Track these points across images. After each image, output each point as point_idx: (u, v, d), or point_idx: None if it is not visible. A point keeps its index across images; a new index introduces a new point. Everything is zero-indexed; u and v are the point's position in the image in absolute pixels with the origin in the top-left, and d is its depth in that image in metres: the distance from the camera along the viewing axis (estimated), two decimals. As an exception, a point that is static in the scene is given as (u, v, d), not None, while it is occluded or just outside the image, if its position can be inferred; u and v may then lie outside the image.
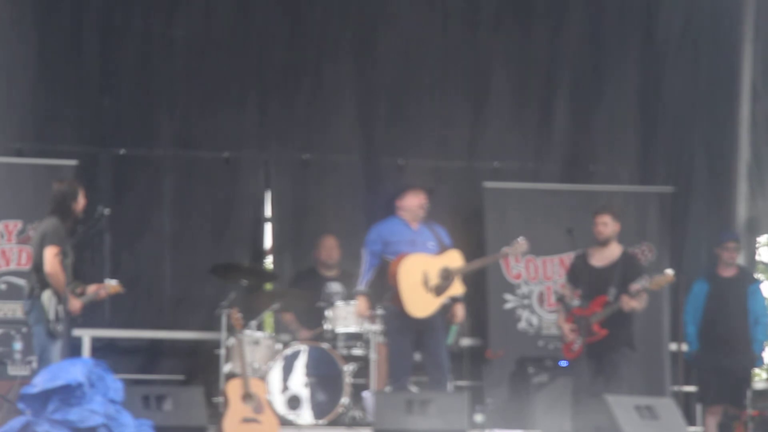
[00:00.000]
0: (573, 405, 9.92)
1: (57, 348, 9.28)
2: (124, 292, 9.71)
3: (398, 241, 10.13)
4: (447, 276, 10.03)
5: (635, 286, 9.83)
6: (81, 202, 9.47)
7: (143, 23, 11.95)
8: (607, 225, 10.03)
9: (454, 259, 10.12)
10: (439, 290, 10.03)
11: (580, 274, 10.04)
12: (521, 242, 10.26)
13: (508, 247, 10.33)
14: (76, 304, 9.34)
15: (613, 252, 10.04)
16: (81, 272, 9.81)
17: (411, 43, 12.19)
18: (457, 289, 10.12)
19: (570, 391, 10.07)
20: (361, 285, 10.27)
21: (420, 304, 10.00)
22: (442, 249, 10.15)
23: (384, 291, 10.22)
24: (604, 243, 10.04)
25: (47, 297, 9.27)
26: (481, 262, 10.63)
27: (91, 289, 9.53)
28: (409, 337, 10.03)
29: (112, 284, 9.59)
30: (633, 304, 9.82)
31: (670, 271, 10.01)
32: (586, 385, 9.78)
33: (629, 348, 9.95)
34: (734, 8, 11.93)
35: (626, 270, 9.94)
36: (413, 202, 10.21)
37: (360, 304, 10.27)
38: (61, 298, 9.26)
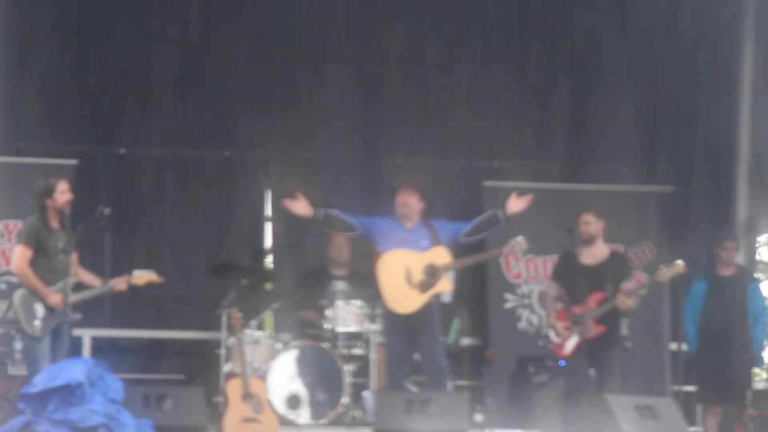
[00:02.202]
0: (567, 405, 9.89)
1: (42, 347, 9.25)
2: (161, 281, 9.79)
3: (390, 237, 10.02)
4: (432, 273, 9.94)
5: (627, 286, 9.82)
6: (60, 197, 9.40)
7: (143, 23, 11.95)
8: (590, 224, 9.97)
9: (441, 255, 10.01)
10: (423, 287, 9.93)
11: (569, 272, 9.99)
12: (519, 241, 10.19)
13: (504, 246, 10.28)
14: (55, 298, 9.31)
15: (601, 250, 10.01)
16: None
17: (411, 42, 12.18)
18: (444, 285, 10.01)
19: (563, 390, 10.03)
20: (329, 209, 10.15)
21: (402, 300, 9.90)
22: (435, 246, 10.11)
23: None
24: (588, 242, 10.00)
25: (18, 297, 9.31)
26: (472, 260, 10.53)
27: (116, 281, 9.55)
28: (403, 337, 9.97)
29: (144, 275, 9.64)
30: (629, 302, 9.81)
31: (680, 262, 9.97)
32: (582, 384, 9.76)
33: (621, 346, 9.92)
34: (734, 8, 11.93)
35: (618, 268, 9.93)
36: (396, 201, 10.13)
37: (300, 204, 10.08)
38: (41, 297, 9.26)
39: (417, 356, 10.28)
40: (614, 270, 9.89)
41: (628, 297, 9.79)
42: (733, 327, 10.74)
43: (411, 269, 9.91)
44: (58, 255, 9.38)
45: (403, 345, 9.99)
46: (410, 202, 10.06)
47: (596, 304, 9.81)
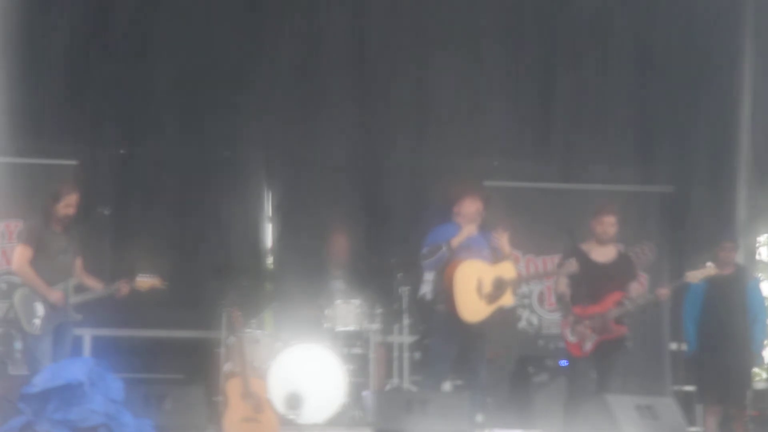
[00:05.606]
0: (569, 405, 9.87)
1: (43, 346, 9.30)
2: (165, 287, 9.79)
3: (456, 246, 10.01)
4: (500, 286, 9.94)
5: (635, 288, 9.83)
6: (62, 209, 9.47)
7: (142, 22, 11.95)
8: (614, 225, 9.99)
9: (508, 269, 10.03)
10: (491, 298, 9.93)
11: (582, 270, 9.94)
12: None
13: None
14: (55, 295, 9.32)
15: (610, 249, 10.02)
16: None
17: (411, 42, 12.19)
18: (508, 299, 10.04)
19: (568, 390, 10.02)
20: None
21: (471, 309, 9.89)
22: (495, 258, 10.06)
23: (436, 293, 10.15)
24: (608, 242, 9.99)
25: (18, 296, 9.35)
26: (537, 275, 10.68)
27: (119, 284, 9.55)
28: (455, 341, 9.92)
29: (148, 280, 9.64)
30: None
31: (711, 264, 10.11)
32: (589, 384, 9.74)
33: (625, 347, 9.94)
34: (734, 8, 11.94)
35: (628, 267, 9.94)
36: (471, 209, 10.06)
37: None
38: (41, 294, 9.27)
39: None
40: (625, 268, 9.89)
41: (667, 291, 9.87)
42: (732, 326, 10.73)
43: (482, 280, 9.93)
44: (59, 255, 9.41)
45: (453, 349, 9.95)
46: (482, 211, 10.06)
47: (614, 303, 9.79)
